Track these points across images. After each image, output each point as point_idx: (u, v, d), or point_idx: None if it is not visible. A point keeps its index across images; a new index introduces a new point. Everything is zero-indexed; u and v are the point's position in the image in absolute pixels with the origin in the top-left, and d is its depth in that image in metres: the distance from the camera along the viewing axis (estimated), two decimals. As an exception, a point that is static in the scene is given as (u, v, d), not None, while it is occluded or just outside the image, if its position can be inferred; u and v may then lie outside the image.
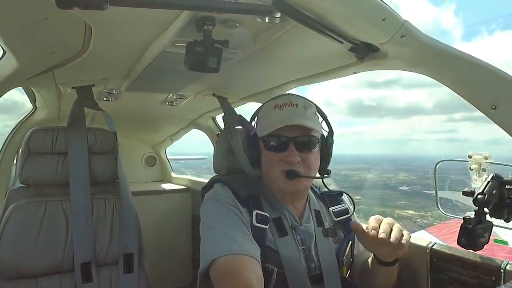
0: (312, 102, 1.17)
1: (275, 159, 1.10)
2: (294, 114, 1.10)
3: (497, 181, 0.98)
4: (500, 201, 0.96)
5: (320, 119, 1.21)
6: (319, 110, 1.20)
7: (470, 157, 1.18)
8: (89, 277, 1.22)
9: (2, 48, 1.16)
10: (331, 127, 1.22)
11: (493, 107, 0.85)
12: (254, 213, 1.07)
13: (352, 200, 1.29)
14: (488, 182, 0.98)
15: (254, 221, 1.06)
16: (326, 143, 1.18)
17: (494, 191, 0.96)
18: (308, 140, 1.10)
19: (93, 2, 0.75)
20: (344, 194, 1.30)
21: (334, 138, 1.21)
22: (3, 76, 1.28)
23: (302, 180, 1.09)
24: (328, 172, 1.20)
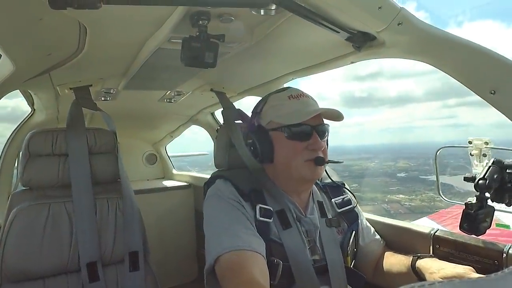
0: None
1: (298, 148, 1.10)
2: (312, 104, 1.14)
3: (498, 165, 0.98)
4: (501, 185, 0.97)
5: None
6: None
7: (470, 142, 1.18)
8: (96, 276, 1.23)
9: (-3, 51, 1.16)
10: None
11: (492, 91, 0.85)
12: (257, 207, 1.07)
13: (352, 193, 1.30)
14: (489, 167, 0.98)
15: (258, 216, 1.06)
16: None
17: (495, 176, 0.96)
18: (326, 128, 1.14)
19: (86, 2, 0.74)
20: (345, 185, 1.31)
21: (336, 129, 1.22)
22: (0, 80, 1.28)
23: (323, 167, 1.13)
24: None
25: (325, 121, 1.16)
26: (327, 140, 1.17)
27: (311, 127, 1.09)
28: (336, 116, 1.12)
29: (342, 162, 1.22)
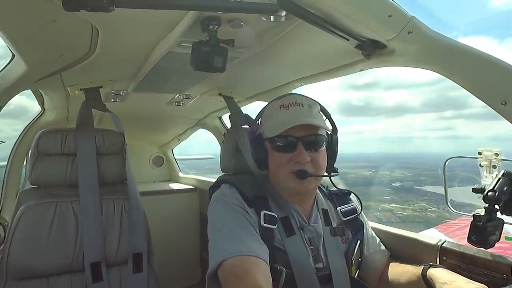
0: (316, 101, 1.17)
1: (283, 160, 1.09)
2: (300, 113, 1.10)
3: (508, 177, 0.96)
4: (511, 198, 0.95)
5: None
6: (322, 109, 1.19)
7: (480, 153, 1.15)
8: (99, 276, 1.23)
9: (11, 51, 1.18)
10: (335, 125, 1.21)
11: (504, 102, 0.84)
12: (261, 213, 1.07)
13: (360, 200, 1.29)
14: (499, 179, 0.96)
15: (262, 222, 1.06)
16: (332, 141, 1.17)
17: (505, 188, 0.94)
18: (316, 139, 1.10)
19: (99, 5, 0.75)
20: (352, 193, 1.30)
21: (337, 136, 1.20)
22: (13, 79, 1.30)
23: (312, 179, 1.09)
24: (336, 170, 1.19)
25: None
26: (328, 149, 1.15)
27: (296, 138, 1.07)
28: (322, 127, 1.10)
29: (326, 176, 1.17)
